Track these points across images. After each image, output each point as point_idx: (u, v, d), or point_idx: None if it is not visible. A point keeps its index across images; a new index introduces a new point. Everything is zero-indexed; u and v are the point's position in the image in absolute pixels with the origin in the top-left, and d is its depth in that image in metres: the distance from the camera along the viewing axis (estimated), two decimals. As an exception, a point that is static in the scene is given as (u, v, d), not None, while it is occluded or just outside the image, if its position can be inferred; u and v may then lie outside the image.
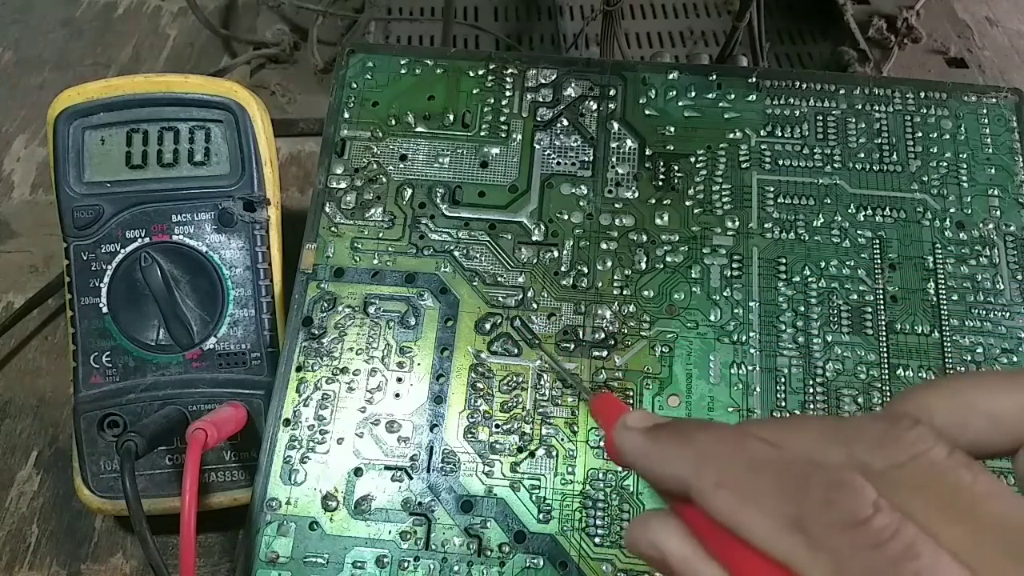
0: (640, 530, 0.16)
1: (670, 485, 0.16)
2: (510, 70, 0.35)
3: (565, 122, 0.34)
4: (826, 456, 0.14)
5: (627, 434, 0.18)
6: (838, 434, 0.15)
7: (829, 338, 0.31)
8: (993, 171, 0.33)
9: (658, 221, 0.33)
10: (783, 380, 0.30)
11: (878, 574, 0.12)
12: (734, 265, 0.32)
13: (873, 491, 0.13)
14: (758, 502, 0.14)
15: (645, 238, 0.32)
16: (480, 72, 0.35)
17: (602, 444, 0.29)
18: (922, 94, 0.34)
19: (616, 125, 0.34)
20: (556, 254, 0.32)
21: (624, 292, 0.31)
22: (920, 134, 0.34)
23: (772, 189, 0.33)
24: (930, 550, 0.12)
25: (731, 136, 0.34)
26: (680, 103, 0.34)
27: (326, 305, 0.31)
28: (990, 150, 0.33)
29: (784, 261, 0.32)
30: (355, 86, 0.35)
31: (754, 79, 0.35)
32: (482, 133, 0.34)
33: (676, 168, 0.33)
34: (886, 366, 0.30)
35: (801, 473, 0.14)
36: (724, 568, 0.15)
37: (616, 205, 0.33)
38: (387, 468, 0.29)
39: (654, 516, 0.16)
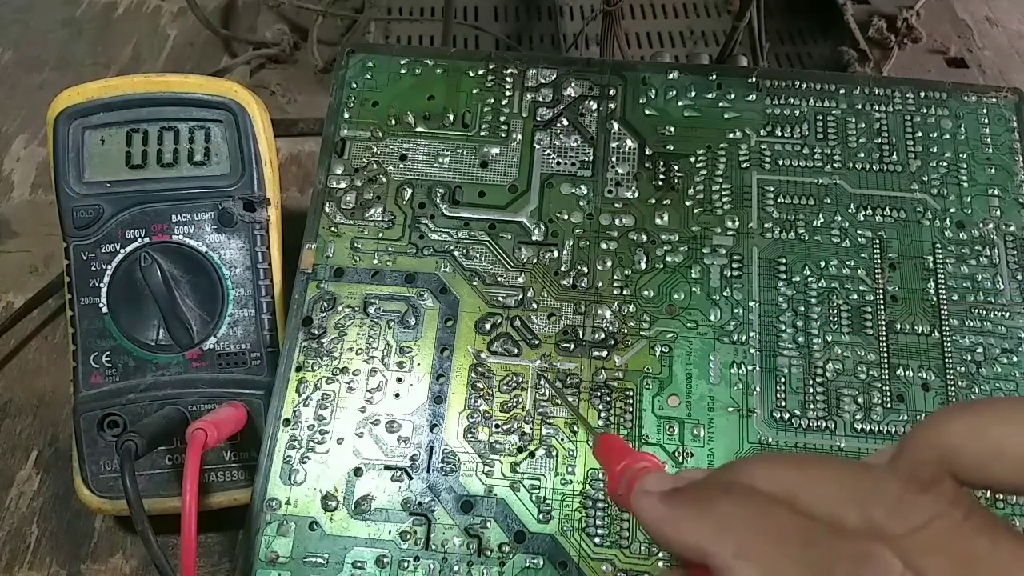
0: None
1: (690, 554, 0.16)
2: (510, 70, 0.35)
3: (565, 122, 0.34)
4: (845, 517, 0.14)
5: (645, 499, 0.17)
6: (856, 490, 0.15)
7: (829, 338, 0.31)
8: (993, 171, 0.33)
9: (658, 221, 0.33)
10: (783, 380, 0.30)
11: None
12: (734, 265, 0.32)
13: (900, 565, 0.13)
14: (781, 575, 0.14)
15: (645, 238, 0.32)
16: (480, 72, 0.35)
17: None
18: (922, 94, 0.34)
19: (616, 125, 0.34)
20: (556, 254, 0.32)
21: (624, 292, 0.31)
22: (920, 134, 0.34)
23: (772, 189, 0.33)
24: None
25: (731, 136, 0.34)
26: (680, 103, 0.34)
27: (326, 305, 0.31)
28: (990, 150, 0.33)
29: (784, 261, 0.32)
30: (355, 86, 0.35)
31: (754, 79, 0.35)
32: (482, 133, 0.34)
33: (676, 168, 0.33)
34: (886, 366, 0.30)
35: (826, 545, 0.14)
36: None
37: (616, 205, 0.33)
38: (387, 468, 0.29)
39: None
